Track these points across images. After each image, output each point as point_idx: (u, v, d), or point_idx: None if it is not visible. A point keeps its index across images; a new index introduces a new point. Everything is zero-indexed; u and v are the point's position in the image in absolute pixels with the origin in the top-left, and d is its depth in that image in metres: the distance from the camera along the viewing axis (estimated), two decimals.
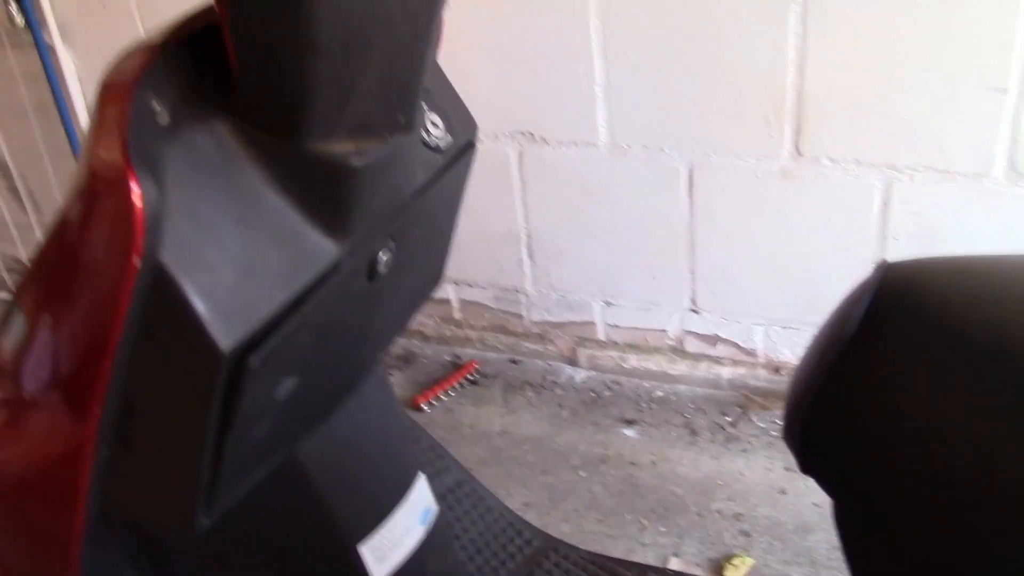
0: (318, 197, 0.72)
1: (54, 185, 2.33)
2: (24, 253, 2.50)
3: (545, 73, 1.74)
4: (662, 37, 1.63)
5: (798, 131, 1.63)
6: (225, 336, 0.66)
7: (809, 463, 0.70)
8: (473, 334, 2.16)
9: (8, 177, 2.39)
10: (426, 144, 0.84)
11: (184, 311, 0.66)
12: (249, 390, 0.71)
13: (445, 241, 1.00)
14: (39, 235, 2.44)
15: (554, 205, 1.90)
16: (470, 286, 2.10)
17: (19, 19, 2.05)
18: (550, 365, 2.10)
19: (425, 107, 0.85)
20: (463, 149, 0.89)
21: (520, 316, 2.10)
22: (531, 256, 2.00)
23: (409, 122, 0.74)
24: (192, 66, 0.70)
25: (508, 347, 2.14)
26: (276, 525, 0.94)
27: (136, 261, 0.64)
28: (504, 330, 2.14)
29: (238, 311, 0.67)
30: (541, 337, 2.10)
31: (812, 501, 1.67)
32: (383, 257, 0.81)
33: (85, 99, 2.19)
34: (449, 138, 0.87)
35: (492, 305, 2.11)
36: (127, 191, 0.63)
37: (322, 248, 0.73)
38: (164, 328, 0.68)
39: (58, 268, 0.74)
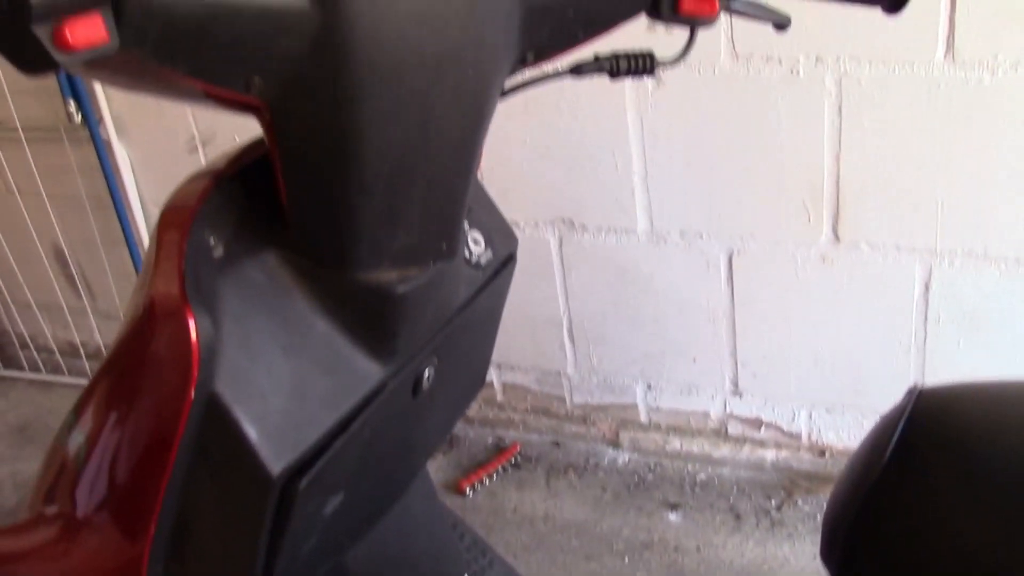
0: (364, 323, 0.75)
1: (108, 272, 2.40)
2: (78, 338, 2.56)
3: (584, 162, 1.78)
4: (698, 127, 1.66)
5: (836, 217, 1.64)
6: (276, 461, 0.69)
7: None
8: (516, 416, 2.18)
9: (64, 264, 2.47)
10: (467, 261, 0.87)
11: (236, 437, 0.68)
12: (299, 510, 0.73)
13: (487, 350, 1.02)
14: (93, 320, 2.51)
15: (595, 290, 1.93)
16: (512, 369, 2.12)
17: (77, 116, 2.14)
18: (592, 448, 2.11)
19: (466, 225, 0.88)
20: (504, 263, 0.92)
21: (562, 399, 2.11)
22: (572, 339, 2.01)
23: (452, 249, 0.77)
24: (244, 198, 0.74)
25: (550, 430, 2.15)
26: None
27: (192, 391, 0.67)
28: (547, 413, 2.15)
29: (288, 436, 0.70)
30: (583, 420, 2.11)
31: None
32: (427, 374, 0.83)
33: (138, 190, 2.26)
34: (490, 254, 0.89)
35: (534, 388, 2.13)
36: (184, 325, 0.66)
37: (368, 371, 0.76)
38: (217, 452, 0.70)
39: (117, 390, 0.77)
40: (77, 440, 0.84)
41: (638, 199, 1.78)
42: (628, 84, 1.66)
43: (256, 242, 0.73)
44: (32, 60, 0.52)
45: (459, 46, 0.66)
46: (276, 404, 0.70)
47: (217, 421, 0.68)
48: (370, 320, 0.75)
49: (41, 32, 0.51)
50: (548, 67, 0.78)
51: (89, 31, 0.52)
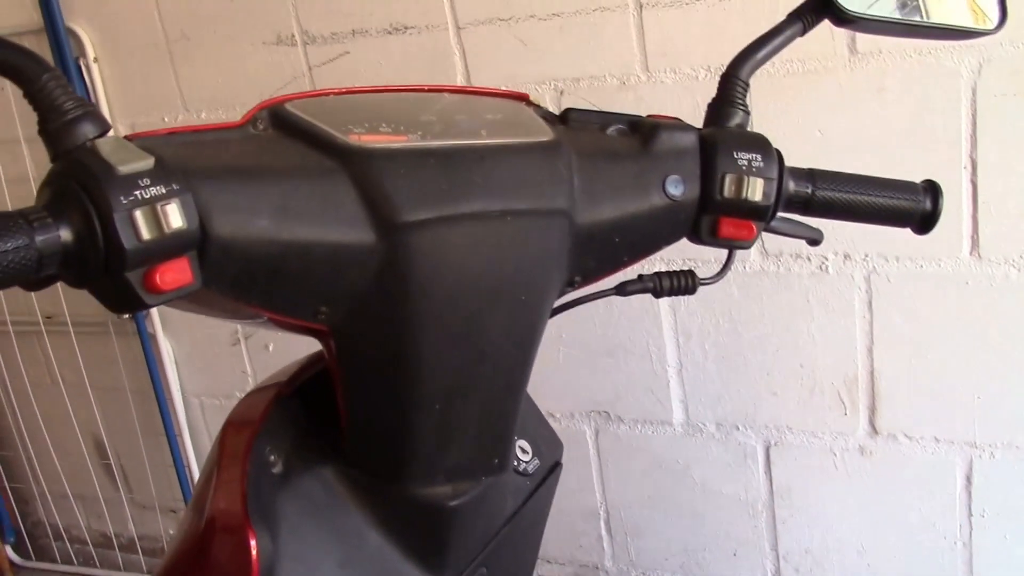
0: (417, 536, 0.76)
1: (146, 463, 2.42)
2: (112, 529, 2.56)
3: (619, 355, 1.81)
4: (730, 321, 1.70)
5: (872, 409, 1.65)
6: None
7: None
8: None
9: (103, 455, 2.50)
10: (515, 470, 0.88)
11: None
12: None
13: (532, 555, 1.02)
14: (128, 511, 2.51)
15: (631, 481, 1.92)
16: (549, 563, 2.09)
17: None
18: None
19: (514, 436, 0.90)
20: (550, 470, 0.93)
21: None
22: (610, 531, 1.99)
23: (503, 464, 0.79)
24: (303, 414, 0.77)
25: None
26: None
27: None
28: None
29: None
30: None
31: None
32: None
33: (180, 382, 2.31)
34: (537, 462, 0.91)
35: None
36: (246, 543, 0.68)
37: None
38: None
39: None
40: None
41: (673, 391, 1.80)
42: None
43: (314, 457, 0.75)
44: (121, 302, 0.56)
45: (512, 275, 0.70)
46: None
47: None
48: (423, 533, 0.77)
49: (133, 277, 0.55)
50: (595, 287, 0.82)
51: (177, 275, 0.56)
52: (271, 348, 2.15)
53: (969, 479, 1.63)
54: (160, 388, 2.29)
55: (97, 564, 2.58)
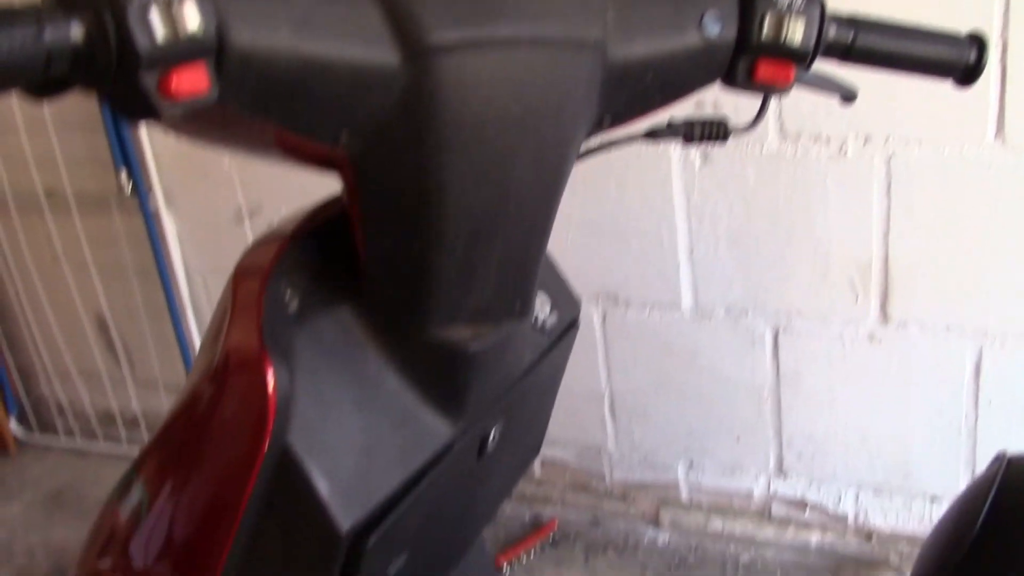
0: (435, 381, 0.75)
1: (149, 341, 2.41)
2: (116, 406, 2.57)
3: (629, 237, 1.79)
4: (744, 204, 1.67)
5: (884, 296, 1.63)
6: (345, 517, 0.68)
7: None
8: (554, 492, 2.15)
9: (106, 333, 2.49)
10: (534, 325, 0.87)
11: (307, 492, 0.68)
12: (365, 568, 0.72)
13: (546, 416, 1.02)
14: (132, 389, 2.52)
15: (637, 366, 1.92)
16: (552, 444, 2.10)
17: (128, 186, 2.18)
18: (632, 526, 2.07)
19: None
20: (567, 327, 0.92)
21: (602, 475, 2.09)
22: (614, 415, 2.00)
23: (524, 308, 0.77)
24: (319, 255, 0.75)
25: (589, 507, 2.12)
26: None
27: (266, 443, 0.66)
28: (586, 489, 2.12)
29: (357, 492, 0.70)
30: (623, 497, 2.08)
31: None
32: (492, 435, 0.83)
33: (184, 261, 2.29)
34: (555, 318, 0.89)
35: (573, 464, 2.11)
36: (262, 376, 0.66)
37: (437, 429, 0.76)
38: (286, 506, 0.70)
39: (186, 443, 0.77)
40: (137, 495, 0.84)
41: (683, 275, 1.78)
42: (675, 160, 1.68)
43: (331, 298, 0.74)
44: (136, 107, 0.53)
45: (541, 108, 0.67)
46: (347, 460, 0.70)
47: (288, 475, 0.68)
48: (441, 378, 0.75)
49: (148, 80, 0.52)
50: (623, 131, 0.79)
51: (192, 81, 0.54)
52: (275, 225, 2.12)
53: (978, 368, 1.63)
54: (163, 265, 2.27)
55: (100, 439, 2.60)
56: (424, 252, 0.69)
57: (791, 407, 1.81)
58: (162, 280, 2.28)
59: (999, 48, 1.42)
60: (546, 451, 2.12)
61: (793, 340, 1.74)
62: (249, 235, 2.17)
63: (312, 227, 0.76)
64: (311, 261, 0.74)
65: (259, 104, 0.59)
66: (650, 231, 1.77)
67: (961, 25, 1.40)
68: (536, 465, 2.15)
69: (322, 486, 0.68)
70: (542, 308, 0.88)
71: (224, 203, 2.16)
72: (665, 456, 1.99)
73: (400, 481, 0.73)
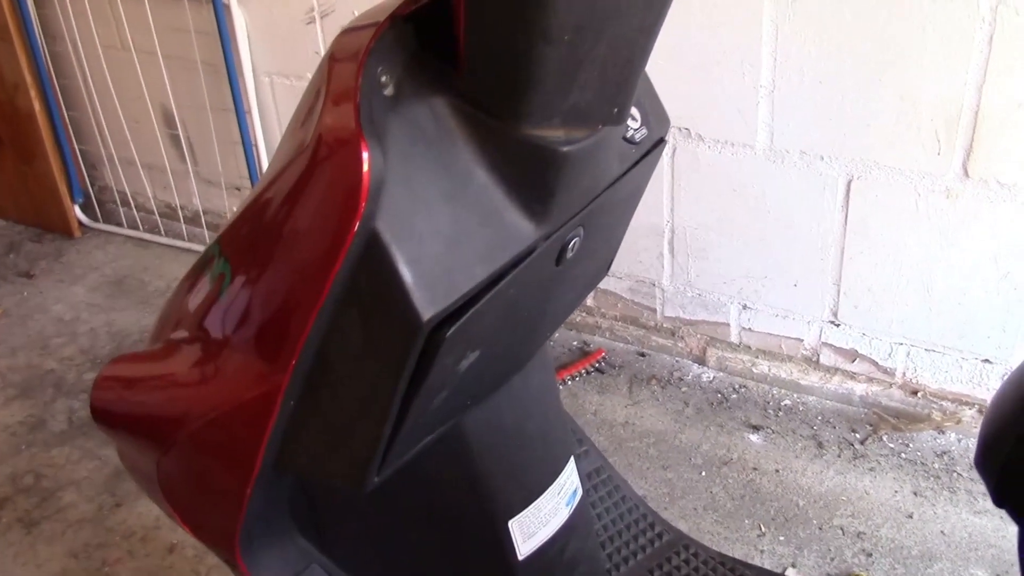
0: (524, 180, 0.74)
1: (214, 138, 2.42)
2: (178, 200, 2.61)
3: (711, 69, 1.74)
4: (835, 43, 1.61)
5: (969, 152, 1.58)
6: (427, 306, 0.69)
7: (1004, 495, 0.69)
8: (604, 323, 2.17)
9: (172, 126, 2.50)
10: (624, 137, 0.85)
11: (392, 278, 0.68)
12: (440, 360, 0.73)
13: (621, 232, 1.01)
14: (194, 184, 2.55)
15: (702, 203, 1.89)
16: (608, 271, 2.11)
17: None
18: (678, 362, 2.10)
19: None
20: (655, 144, 0.90)
21: (653, 310, 2.10)
22: (672, 251, 1.99)
23: (621, 114, 0.75)
24: (417, 40, 0.73)
25: (637, 339, 2.14)
26: (433, 491, 0.97)
27: (356, 224, 0.66)
28: (635, 322, 2.14)
29: (441, 284, 0.70)
30: (672, 333, 2.10)
31: (940, 529, 1.63)
32: (573, 243, 0.82)
33: (252, 59, 2.27)
34: (645, 132, 0.88)
35: (626, 296, 2.12)
36: (357, 157, 0.66)
37: (522, 230, 0.75)
38: (369, 290, 0.71)
39: (273, 220, 0.77)
40: (219, 268, 0.85)
41: (761, 113, 1.73)
42: None
43: (426, 85, 0.72)
44: None
45: None
46: (432, 250, 0.70)
47: (374, 259, 0.68)
48: (530, 177, 0.74)
49: None
50: None
51: None
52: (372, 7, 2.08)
53: None
54: (231, 62, 2.25)
55: (162, 232, 2.65)
56: (528, 44, 0.67)
57: (854, 257, 1.79)
58: (229, 77, 2.27)
59: None
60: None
61: (866, 189, 1.71)
62: (320, 37, 2.13)
63: (411, 11, 0.74)
64: (409, 46, 0.72)
65: None
66: (732, 65, 1.71)
67: None
68: (589, 296, 2.16)
69: (406, 273, 0.68)
70: (633, 121, 0.86)
71: (296, 2, 2.11)
72: (719, 296, 1.99)
73: (482, 277, 0.73)
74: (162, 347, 0.92)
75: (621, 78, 0.73)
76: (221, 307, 0.83)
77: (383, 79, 0.70)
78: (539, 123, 0.71)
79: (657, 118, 0.90)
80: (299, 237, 0.73)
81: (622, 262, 2.06)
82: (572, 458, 1.07)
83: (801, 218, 1.80)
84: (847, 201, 1.74)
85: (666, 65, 1.75)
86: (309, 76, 2.10)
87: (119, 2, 2.31)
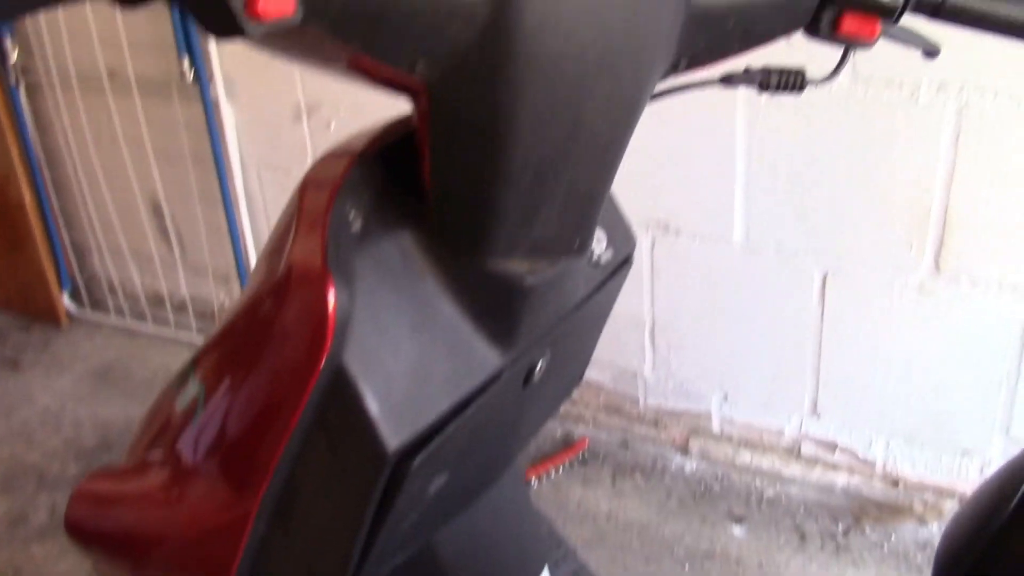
0: (490, 310, 0.76)
1: (202, 228, 2.45)
2: (166, 288, 2.62)
3: (687, 166, 1.77)
4: (807, 142, 1.65)
5: (939, 248, 1.61)
6: (393, 437, 0.70)
7: None
8: (587, 412, 2.18)
9: (160, 217, 2.53)
10: (589, 260, 0.87)
11: (358, 411, 0.70)
12: (407, 488, 0.74)
13: (591, 348, 1.03)
14: (182, 273, 2.57)
15: (682, 295, 1.92)
16: (589, 365, 2.12)
17: (190, 73, 2.18)
18: (661, 452, 2.10)
19: None
20: (621, 263, 0.92)
21: (636, 399, 2.11)
22: (653, 341, 2.01)
23: (583, 245, 0.77)
24: (385, 177, 0.75)
25: (620, 429, 2.15)
26: None
27: (322, 360, 0.68)
28: (619, 412, 2.15)
29: (407, 414, 0.71)
30: (655, 423, 2.11)
31: None
32: (540, 366, 0.84)
33: (240, 151, 2.31)
34: (610, 254, 0.90)
35: (609, 385, 2.13)
36: (324, 294, 0.68)
37: (488, 358, 0.77)
38: (336, 422, 0.72)
39: (243, 349, 0.79)
40: (193, 391, 0.86)
41: (737, 208, 1.77)
42: (741, 92, 1.65)
43: (393, 220, 0.74)
44: (222, 25, 0.54)
45: (619, 46, 0.66)
46: (399, 382, 0.71)
47: (341, 393, 0.70)
48: (496, 308, 0.76)
49: (235, 1, 0.52)
50: (698, 75, 0.78)
51: (279, 3, 0.53)
52: (332, 126, 2.13)
53: None
54: (220, 155, 2.29)
55: (149, 321, 2.66)
56: (490, 183, 0.69)
57: (832, 349, 1.81)
58: (217, 169, 2.31)
59: None
60: None
61: (841, 283, 1.73)
62: (307, 133, 2.18)
63: (380, 146, 0.76)
64: (377, 181, 0.75)
65: (341, 28, 0.59)
66: (709, 163, 1.75)
67: None
68: None
69: (373, 406, 0.69)
70: (598, 243, 0.89)
71: (284, 98, 2.16)
72: (700, 386, 2.01)
73: (448, 406, 0.74)
74: (137, 465, 0.93)
75: (582, 213, 0.75)
76: (194, 430, 0.84)
77: (351, 215, 0.72)
78: (502, 257, 0.73)
79: (622, 238, 0.93)
80: (269, 369, 0.74)
81: (605, 351, 2.07)
82: (547, 568, 1.07)
83: (779, 310, 1.82)
84: (823, 294, 1.76)
85: (645, 164, 1.79)
86: (296, 169, 2.14)
87: (110, 96, 2.36)
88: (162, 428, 0.92)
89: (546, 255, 0.75)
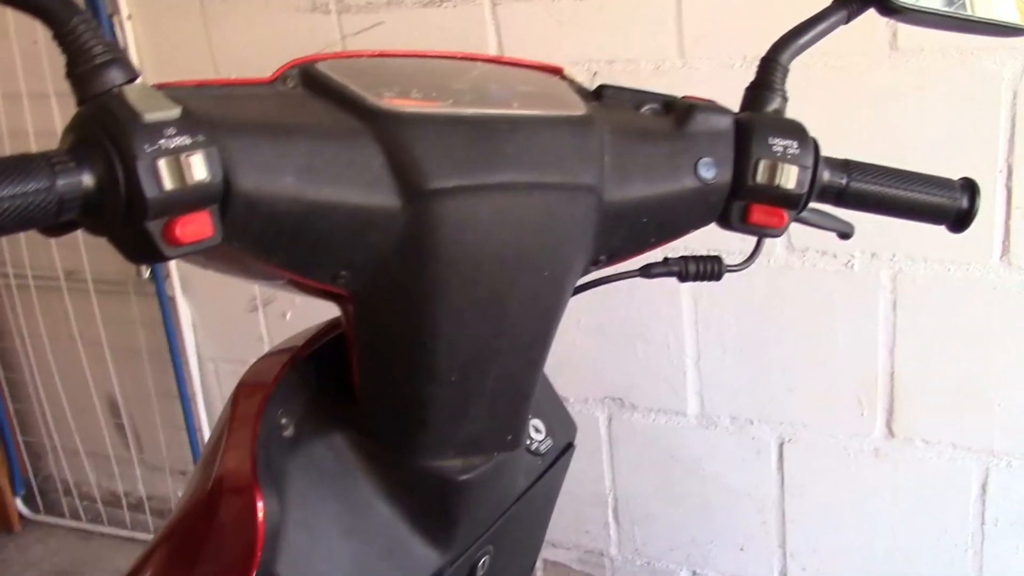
0: (425, 509, 0.75)
1: (159, 425, 2.43)
2: (122, 488, 2.57)
3: (637, 343, 1.80)
4: (751, 314, 1.68)
5: (890, 412, 1.63)
6: None
7: None
8: None
9: (116, 414, 2.50)
10: (528, 449, 0.87)
11: None
12: None
13: (540, 537, 1.01)
14: (139, 471, 2.53)
15: (642, 470, 1.91)
16: (554, 547, 2.08)
17: (145, 272, 2.21)
18: None
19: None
20: (563, 451, 0.92)
21: None
22: (617, 519, 1.98)
23: (516, 440, 0.78)
24: (317, 379, 0.76)
25: None
26: None
27: (253, 573, 0.67)
28: None
29: None
30: None
31: None
32: (482, 562, 0.83)
33: (197, 347, 2.31)
34: (550, 442, 0.90)
35: (576, 567, 2.08)
36: (253, 506, 0.67)
37: (426, 558, 0.76)
38: None
39: (176, 560, 0.77)
40: None
41: (689, 382, 1.79)
42: None
43: (326, 423, 0.75)
44: (141, 252, 0.55)
45: (538, 248, 0.69)
46: None
47: None
48: (431, 507, 0.76)
49: (153, 228, 0.54)
50: (619, 267, 0.80)
51: (197, 228, 0.55)
52: (288, 316, 2.15)
53: (984, 488, 1.61)
54: (176, 350, 2.30)
55: (105, 522, 2.60)
56: (417, 384, 0.70)
57: (795, 519, 1.79)
58: (174, 365, 2.30)
59: (1004, 173, 1.45)
60: (548, 554, 2.10)
61: (798, 451, 1.74)
62: (263, 324, 2.19)
63: (313, 349, 0.78)
64: (309, 384, 0.75)
65: (262, 246, 0.60)
66: (657, 338, 1.78)
67: (966, 149, 1.43)
68: (538, 568, 2.13)
69: None
70: (537, 433, 0.89)
71: (239, 292, 2.19)
72: (668, 563, 1.97)
73: None
74: None
75: (511, 408, 0.76)
76: None
77: (283, 421, 0.72)
78: (434, 456, 0.74)
79: (562, 425, 0.93)
80: None
81: (569, 532, 2.04)
82: None
83: (739, 481, 1.82)
84: (781, 463, 1.76)
85: (596, 342, 1.82)
86: (253, 361, 2.14)
87: (67, 296, 2.38)
88: None
89: (478, 452, 0.75)
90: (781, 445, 1.75)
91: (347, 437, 0.75)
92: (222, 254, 0.62)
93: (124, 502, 2.58)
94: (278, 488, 0.69)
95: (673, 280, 1.72)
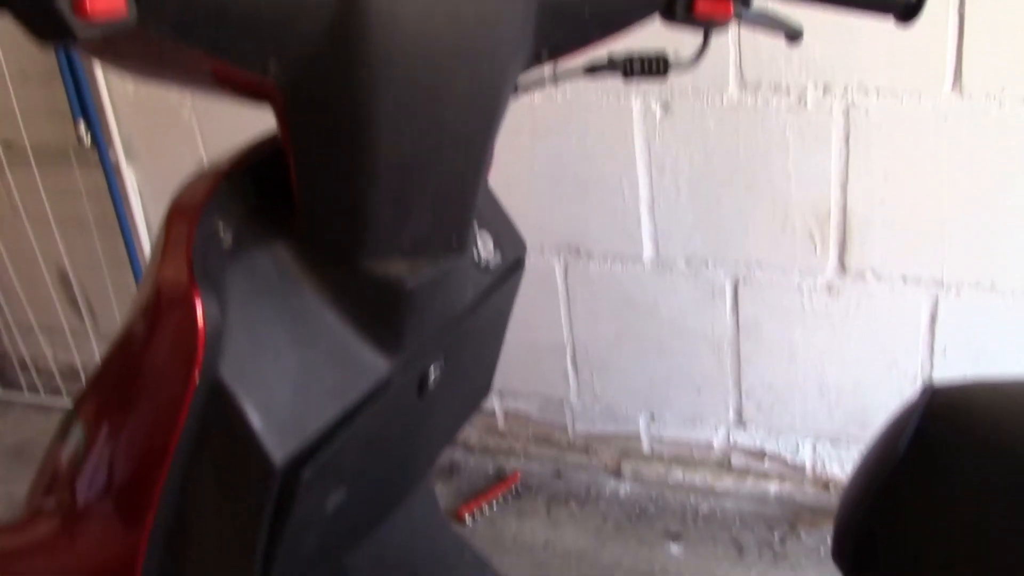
0: (372, 316, 0.75)
1: (111, 295, 2.39)
2: (79, 360, 2.56)
3: (591, 189, 1.78)
4: (705, 155, 1.67)
5: (842, 247, 1.64)
6: (278, 449, 0.68)
7: None
8: (517, 445, 2.16)
9: (68, 287, 2.47)
10: (476, 263, 0.86)
11: (240, 425, 0.68)
12: (300, 502, 0.72)
13: (493, 355, 1.02)
14: (95, 343, 2.51)
15: (599, 318, 1.92)
16: (514, 396, 2.11)
17: (87, 139, 2.15)
18: (594, 478, 2.09)
19: (476, 226, 0.88)
20: (512, 267, 0.92)
21: (564, 427, 2.10)
22: (576, 367, 2.01)
23: (461, 244, 0.77)
24: (255, 192, 0.74)
25: (552, 459, 2.13)
26: None
27: (196, 376, 0.66)
28: (548, 442, 2.13)
29: (291, 426, 0.69)
30: (585, 449, 2.10)
31: None
32: (433, 373, 0.83)
33: (145, 214, 2.27)
34: (498, 257, 0.89)
35: (536, 416, 2.12)
36: (191, 309, 0.66)
37: (374, 365, 0.76)
38: (219, 440, 0.70)
39: (120, 380, 0.77)
40: (77, 434, 0.83)
41: (644, 226, 1.78)
42: (636, 111, 1.67)
43: (266, 234, 0.73)
44: (50, 27, 0.52)
45: (473, 40, 0.66)
46: (281, 393, 0.70)
47: (220, 408, 0.68)
48: (378, 313, 0.75)
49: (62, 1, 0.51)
50: (562, 67, 0.78)
51: (109, 2, 0.52)
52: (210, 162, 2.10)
53: (934, 318, 1.64)
54: (124, 219, 2.25)
55: (64, 395, 2.59)
56: (356, 186, 0.69)
57: (750, 358, 1.82)
58: (123, 233, 2.26)
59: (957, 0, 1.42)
60: (509, 403, 2.13)
61: (753, 291, 1.75)
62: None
63: (248, 163, 0.75)
64: (246, 197, 0.73)
65: (181, 27, 0.57)
66: (611, 183, 1.77)
67: None
68: (499, 418, 2.16)
69: (254, 419, 0.68)
70: (485, 246, 0.88)
71: (186, 155, 2.13)
72: (626, 408, 2.01)
73: (335, 415, 0.73)
74: (28, 517, 0.90)
75: (455, 210, 0.75)
76: (81, 475, 0.81)
77: (221, 231, 0.70)
78: (379, 260, 0.72)
79: (511, 241, 0.92)
80: (144, 396, 0.72)
81: (529, 382, 2.06)
82: None
83: (695, 324, 1.83)
84: (736, 304, 1.78)
85: (550, 189, 1.80)
86: None
87: (7, 169, 2.31)
88: (52, 479, 0.88)
89: (424, 255, 0.74)
90: (736, 286, 1.76)
91: (289, 247, 0.74)
92: (141, 41, 0.59)
93: (82, 375, 2.57)
94: (218, 295, 0.68)
95: (625, 122, 1.71)
